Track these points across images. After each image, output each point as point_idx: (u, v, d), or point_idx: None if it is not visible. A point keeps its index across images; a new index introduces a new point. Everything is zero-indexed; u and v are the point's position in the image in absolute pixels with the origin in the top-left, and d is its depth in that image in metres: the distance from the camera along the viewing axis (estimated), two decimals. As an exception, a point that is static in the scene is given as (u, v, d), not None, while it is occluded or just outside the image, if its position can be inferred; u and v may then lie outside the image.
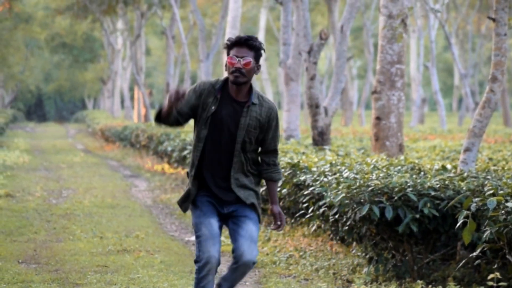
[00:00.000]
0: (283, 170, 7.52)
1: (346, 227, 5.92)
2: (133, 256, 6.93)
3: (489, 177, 5.86)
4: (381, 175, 5.96)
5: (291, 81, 11.92)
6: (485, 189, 5.28)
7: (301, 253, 6.91)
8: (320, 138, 10.27)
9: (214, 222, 4.15)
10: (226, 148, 4.16)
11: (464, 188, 5.53)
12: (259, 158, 4.30)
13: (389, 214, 5.47)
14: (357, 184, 5.74)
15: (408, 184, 5.60)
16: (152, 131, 17.82)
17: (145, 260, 6.75)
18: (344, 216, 5.89)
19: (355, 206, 5.66)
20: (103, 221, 9.01)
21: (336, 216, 6.03)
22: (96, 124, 30.71)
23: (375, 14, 33.98)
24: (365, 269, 6.00)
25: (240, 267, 4.15)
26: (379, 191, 5.61)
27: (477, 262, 5.50)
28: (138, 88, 28.30)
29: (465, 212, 5.12)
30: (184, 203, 4.27)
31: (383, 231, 5.74)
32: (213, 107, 4.14)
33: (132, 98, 38.62)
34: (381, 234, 5.80)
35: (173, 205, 10.85)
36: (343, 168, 6.69)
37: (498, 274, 5.05)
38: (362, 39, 39.30)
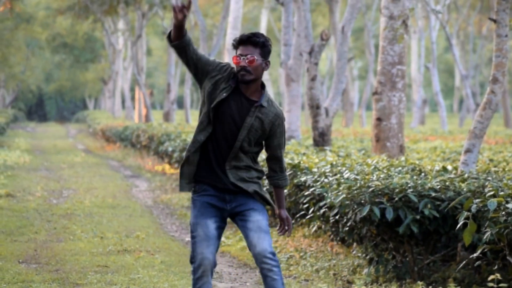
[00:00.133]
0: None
1: (347, 228, 5.93)
2: (133, 256, 6.93)
3: (489, 178, 5.86)
4: (381, 176, 5.96)
5: (292, 81, 11.93)
6: (486, 190, 5.28)
7: (301, 254, 6.91)
8: (321, 139, 10.27)
9: (210, 224, 4.10)
10: (226, 141, 4.10)
11: (464, 189, 5.54)
12: (267, 165, 4.28)
13: (389, 215, 5.47)
14: (358, 185, 5.75)
15: (409, 185, 5.61)
16: (153, 131, 17.83)
17: (146, 260, 6.76)
18: (345, 217, 5.90)
19: (355, 207, 5.66)
20: (104, 221, 9.01)
21: (337, 217, 6.03)
22: (97, 124, 30.72)
23: (376, 15, 34.00)
24: (366, 270, 6.00)
25: (258, 262, 4.03)
26: (379, 192, 5.62)
27: (477, 263, 5.50)
28: (139, 88, 28.33)
29: (465, 213, 5.12)
30: (186, 184, 4.17)
31: (384, 232, 5.74)
32: (224, 94, 4.09)
33: (133, 98, 38.62)
34: (382, 235, 5.81)
35: (173, 206, 10.86)
36: (344, 169, 6.69)
37: (498, 275, 5.05)
38: (363, 40, 39.31)
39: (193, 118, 33.12)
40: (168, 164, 15.37)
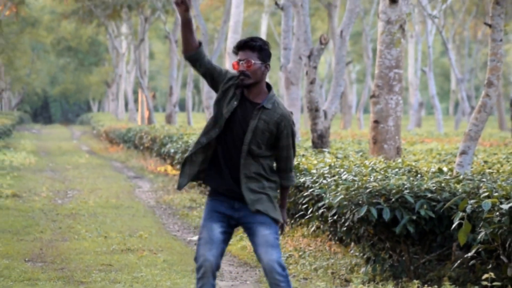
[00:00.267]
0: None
1: (345, 228, 6.01)
2: (136, 255, 7.02)
3: (484, 179, 5.92)
4: (379, 177, 6.03)
5: (292, 85, 12.04)
6: (480, 191, 5.34)
7: (300, 253, 6.98)
8: (320, 141, 10.38)
9: (216, 228, 4.15)
10: (235, 148, 4.14)
11: (459, 190, 5.60)
12: (275, 164, 4.27)
13: (386, 215, 5.55)
14: (356, 186, 5.82)
15: (405, 186, 5.67)
16: (155, 133, 17.93)
17: (148, 259, 6.84)
18: (343, 217, 5.97)
19: (353, 207, 5.74)
20: (108, 221, 9.12)
21: (335, 217, 6.11)
22: (100, 126, 30.84)
23: (374, 20, 34.03)
24: (363, 269, 6.07)
25: (267, 277, 4.09)
26: (377, 193, 5.69)
27: (472, 262, 5.56)
28: (142, 91, 28.44)
29: (460, 214, 5.18)
30: (184, 183, 4.23)
31: (381, 232, 5.82)
32: (235, 102, 4.15)
33: (136, 100, 38.77)
34: (379, 234, 5.89)
35: (175, 206, 10.96)
36: (342, 170, 6.76)
37: (492, 274, 5.11)
38: (361, 44, 39.34)
39: (195, 120, 33.23)
40: (170, 165, 15.47)
